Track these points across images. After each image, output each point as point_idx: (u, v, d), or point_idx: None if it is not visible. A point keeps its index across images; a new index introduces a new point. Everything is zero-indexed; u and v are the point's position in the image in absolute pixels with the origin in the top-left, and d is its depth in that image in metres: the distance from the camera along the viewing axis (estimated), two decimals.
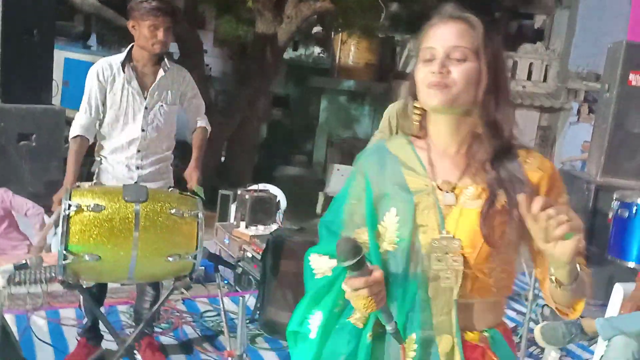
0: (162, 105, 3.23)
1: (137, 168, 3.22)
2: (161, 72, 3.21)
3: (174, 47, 9.16)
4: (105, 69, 3.16)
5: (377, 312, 1.33)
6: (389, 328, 1.34)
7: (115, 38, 10.44)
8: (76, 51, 9.99)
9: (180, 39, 8.04)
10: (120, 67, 3.15)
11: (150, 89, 3.19)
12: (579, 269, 1.31)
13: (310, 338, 1.51)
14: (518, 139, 1.47)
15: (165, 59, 3.24)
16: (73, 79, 9.18)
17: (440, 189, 1.44)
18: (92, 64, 3.30)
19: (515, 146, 1.46)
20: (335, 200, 1.60)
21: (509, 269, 1.45)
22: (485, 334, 1.46)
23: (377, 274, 1.29)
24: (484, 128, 1.42)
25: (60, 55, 9.40)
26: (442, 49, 1.39)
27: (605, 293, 3.60)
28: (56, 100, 8.05)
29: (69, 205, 2.64)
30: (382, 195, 1.47)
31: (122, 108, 3.17)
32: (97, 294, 3.29)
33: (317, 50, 12.93)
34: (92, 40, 12.27)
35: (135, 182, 3.16)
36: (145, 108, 3.19)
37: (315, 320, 1.50)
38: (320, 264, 1.52)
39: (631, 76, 4.83)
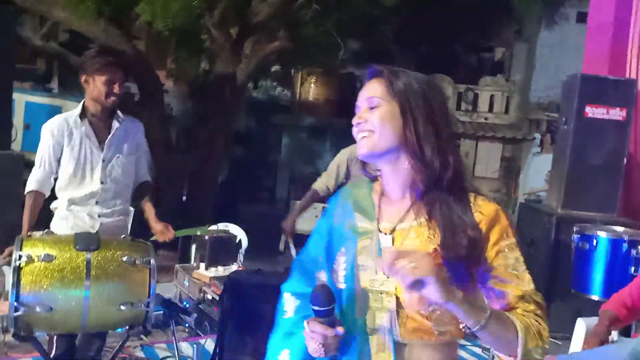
0: (119, 157, 3.22)
1: (99, 216, 3.20)
2: (115, 124, 3.22)
3: (134, 88, 9.16)
4: (60, 125, 3.15)
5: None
6: None
7: (77, 81, 10.37)
8: (37, 95, 9.95)
9: (140, 79, 8.05)
10: (79, 122, 3.16)
11: (107, 142, 3.19)
12: (487, 314, 1.33)
13: None
14: (467, 180, 1.49)
15: (118, 111, 3.25)
16: (35, 122, 9.13)
17: (382, 232, 1.49)
18: (53, 107, 3.32)
19: (466, 190, 1.49)
20: (308, 239, 1.68)
21: (452, 313, 1.40)
22: None
23: (339, 330, 1.38)
24: (413, 165, 1.47)
25: (21, 99, 9.36)
26: (361, 103, 1.53)
27: (572, 327, 3.49)
28: (16, 144, 7.95)
29: (20, 256, 2.64)
30: (338, 235, 1.55)
31: (80, 162, 3.16)
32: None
33: (277, 87, 13.06)
34: (54, 84, 12.23)
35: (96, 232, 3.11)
36: (103, 161, 3.18)
37: (284, 358, 1.56)
38: (289, 303, 1.61)
39: (587, 108, 4.82)
